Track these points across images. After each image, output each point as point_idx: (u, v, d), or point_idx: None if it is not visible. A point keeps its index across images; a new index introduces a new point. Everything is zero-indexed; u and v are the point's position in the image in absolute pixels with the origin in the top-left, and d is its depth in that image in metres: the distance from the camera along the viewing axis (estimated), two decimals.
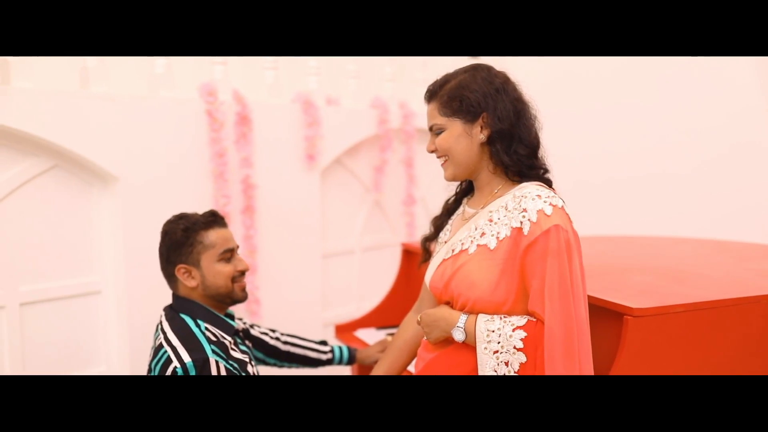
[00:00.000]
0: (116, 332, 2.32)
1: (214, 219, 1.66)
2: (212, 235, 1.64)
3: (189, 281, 1.63)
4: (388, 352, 1.67)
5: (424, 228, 3.37)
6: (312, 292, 3.00)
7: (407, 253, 2.40)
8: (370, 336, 2.23)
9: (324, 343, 2.01)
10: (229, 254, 1.66)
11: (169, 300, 1.74)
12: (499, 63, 1.52)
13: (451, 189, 1.58)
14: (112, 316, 2.31)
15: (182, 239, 1.62)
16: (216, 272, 1.63)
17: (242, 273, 1.68)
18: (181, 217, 1.66)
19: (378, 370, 1.66)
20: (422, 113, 3.42)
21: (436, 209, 1.61)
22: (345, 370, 3.01)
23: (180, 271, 1.63)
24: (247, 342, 1.81)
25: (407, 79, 3.58)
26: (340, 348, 2.01)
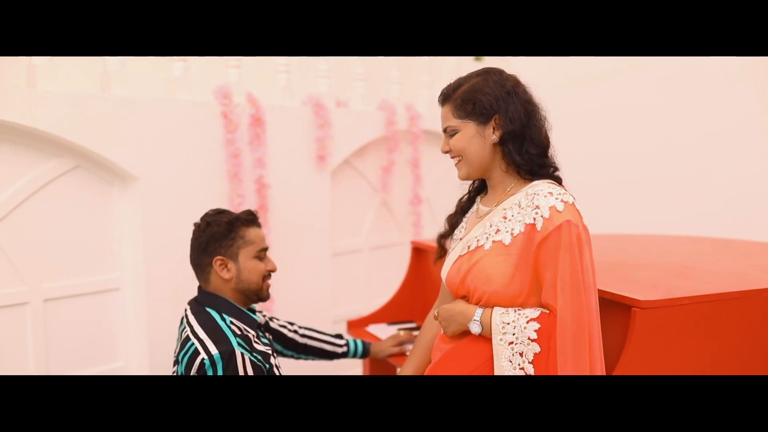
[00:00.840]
0: (135, 328, 2.38)
1: (253, 218, 1.74)
2: (252, 233, 1.71)
3: (224, 273, 1.69)
4: (415, 350, 1.73)
5: (430, 227, 3.45)
6: (323, 289, 3.06)
7: (417, 250, 2.47)
8: (382, 331, 2.28)
9: (339, 336, 2.08)
10: (263, 253, 1.73)
11: (186, 296, 1.80)
12: (501, 63, 1.57)
13: (462, 189, 1.63)
14: (131, 312, 2.38)
15: (225, 232, 1.69)
16: (251, 268, 1.70)
17: (270, 273, 1.75)
18: (221, 212, 1.73)
19: (407, 369, 1.71)
20: (428, 115, 3.51)
21: (442, 209, 1.66)
22: (358, 363, 3.08)
23: (217, 262, 1.69)
24: (267, 334, 1.88)
25: (413, 81, 3.64)
26: (355, 342, 2.07)
